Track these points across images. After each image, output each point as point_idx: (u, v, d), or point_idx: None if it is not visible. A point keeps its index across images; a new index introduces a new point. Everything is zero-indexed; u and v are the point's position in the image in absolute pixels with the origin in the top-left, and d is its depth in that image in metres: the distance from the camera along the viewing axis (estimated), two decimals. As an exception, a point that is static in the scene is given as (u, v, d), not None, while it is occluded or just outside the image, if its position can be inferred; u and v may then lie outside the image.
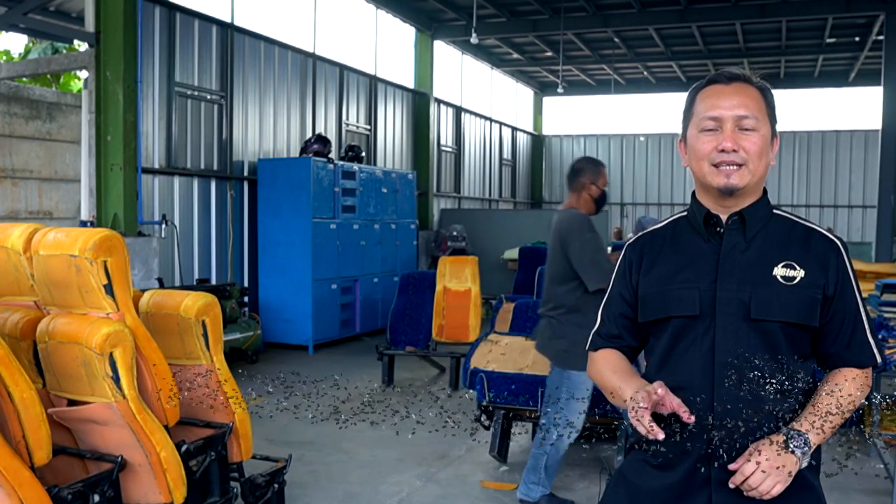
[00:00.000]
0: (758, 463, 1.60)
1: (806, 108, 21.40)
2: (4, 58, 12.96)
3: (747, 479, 1.60)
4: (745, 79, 1.77)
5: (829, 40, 15.99)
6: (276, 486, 3.91)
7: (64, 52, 11.70)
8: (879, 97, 13.31)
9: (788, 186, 21.36)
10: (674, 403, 1.62)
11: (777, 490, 1.59)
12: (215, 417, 3.73)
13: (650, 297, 1.82)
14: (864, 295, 6.09)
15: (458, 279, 7.81)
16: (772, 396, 1.66)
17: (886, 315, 4.84)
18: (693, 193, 1.85)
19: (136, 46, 7.70)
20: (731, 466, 1.64)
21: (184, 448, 3.37)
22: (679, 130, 1.87)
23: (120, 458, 3.15)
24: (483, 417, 5.12)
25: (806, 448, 1.62)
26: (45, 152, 8.20)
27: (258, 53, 10.31)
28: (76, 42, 8.82)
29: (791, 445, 1.61)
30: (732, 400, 1.65)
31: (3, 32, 10.74)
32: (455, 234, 13.89)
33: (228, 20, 9.75)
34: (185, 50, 9.07)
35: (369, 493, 4.61)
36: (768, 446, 1.61)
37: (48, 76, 12.55)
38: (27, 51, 13.07)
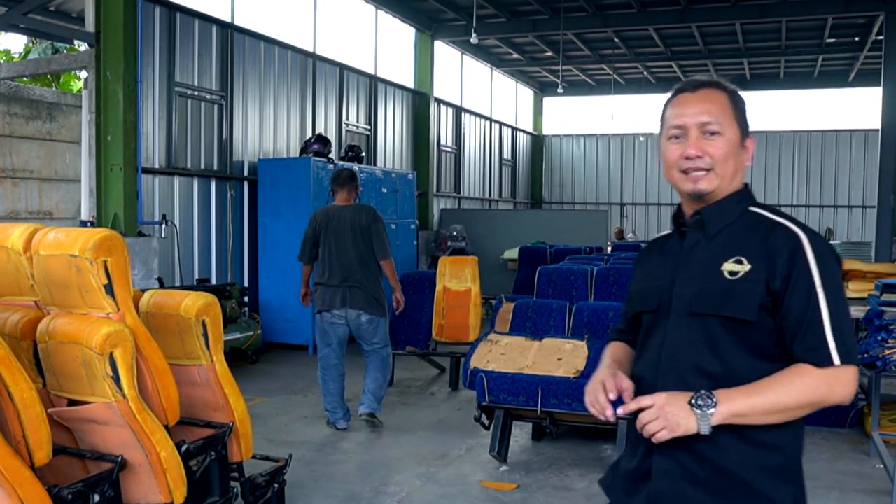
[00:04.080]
0: (654, 402, 1.65)
1: (806, 108, 21.41)
2: (4, 58, 12.97)
3: (641, 410, 1.67)
4: (711, 85, 1.82)
5: (828, 40, 15.99)
6: (276, 486, 3.92)
7: (64, 52, 11.71)
8: (879, 97, 13.31)
9: (788, 186, 21.37)
10: (625, 395, 1.76)
11: (662, 436, 1.63)
12: (215, 417, 3.73)
13: (632, 295, 1.97)
14: (864, 295, 5.95)
15: (458, 279, 7.80)
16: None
17: (886, 315, 4.83)
18: None
19: (136, 46, 7.69)
20: (632, 404, 1.71)
21: (184, 448, 3.37)
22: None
23: (120, 458, 3.15)
24: (483, 417, 5.13)
25: (709, 410, 1.61)
26: (45, 152, 8.21)
27: (258, 53, 10.31)
28: (76, 42, 8.82)
29: (695, 401, 1.63)
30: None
31: (3, 32, 10.74)
32: (455, 234, 13.88)
33: (228, 20, 9.75)
34: (185, 50, 9.07)
35: (369, 493, 4.61)
36: (672, 395, 1.66)
37: (48, 76, 12.57)
38: (27, 51, 13.10)
